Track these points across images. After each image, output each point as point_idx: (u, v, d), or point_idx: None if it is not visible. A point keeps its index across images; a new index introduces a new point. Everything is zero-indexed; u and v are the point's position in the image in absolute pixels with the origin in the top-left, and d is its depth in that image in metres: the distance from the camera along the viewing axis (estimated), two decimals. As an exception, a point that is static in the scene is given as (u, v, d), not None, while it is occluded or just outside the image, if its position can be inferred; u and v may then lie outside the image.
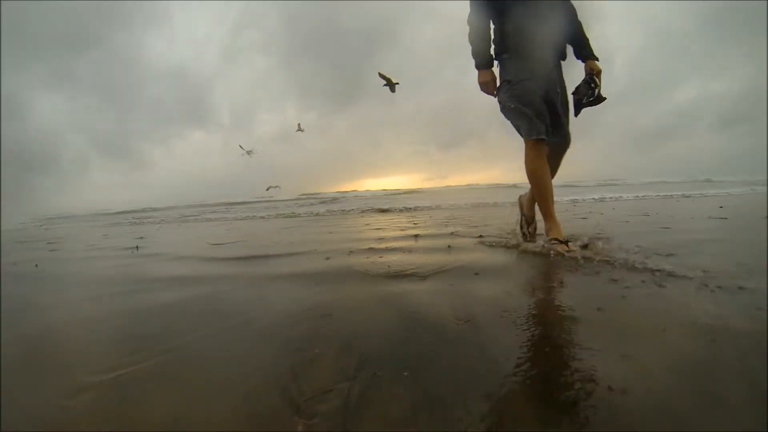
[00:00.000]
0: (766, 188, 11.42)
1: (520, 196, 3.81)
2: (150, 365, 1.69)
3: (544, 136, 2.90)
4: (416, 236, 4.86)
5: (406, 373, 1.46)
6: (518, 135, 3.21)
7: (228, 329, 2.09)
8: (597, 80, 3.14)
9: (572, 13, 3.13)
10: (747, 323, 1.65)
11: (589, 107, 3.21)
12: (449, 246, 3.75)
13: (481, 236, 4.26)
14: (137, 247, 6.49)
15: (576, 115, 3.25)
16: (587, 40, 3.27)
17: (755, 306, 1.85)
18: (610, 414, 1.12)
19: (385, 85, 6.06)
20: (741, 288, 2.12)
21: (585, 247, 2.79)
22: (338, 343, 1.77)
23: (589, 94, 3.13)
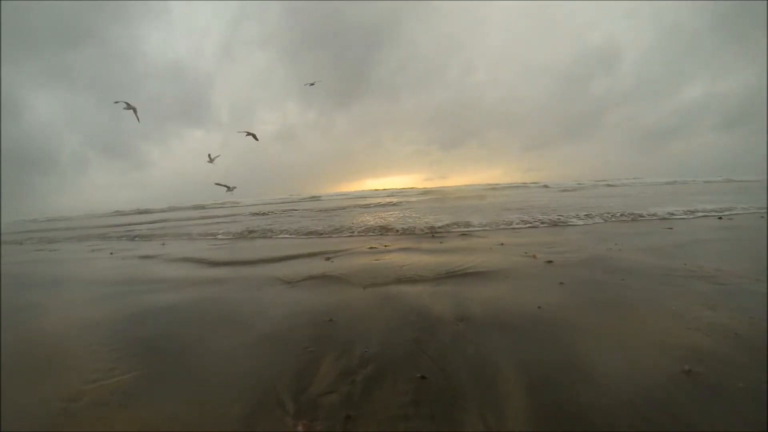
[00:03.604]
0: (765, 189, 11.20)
1: None
2: (153, 366, 1.81)
3: None
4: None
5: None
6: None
7: (228, 330, 2.18)
8: None
9: None
10: None
11: None
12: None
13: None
14: (164, 243, 7.22)
15: None
16: None
17: None
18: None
19: (247, 135, 7.46)
20: None
21: None
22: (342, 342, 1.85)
23: None
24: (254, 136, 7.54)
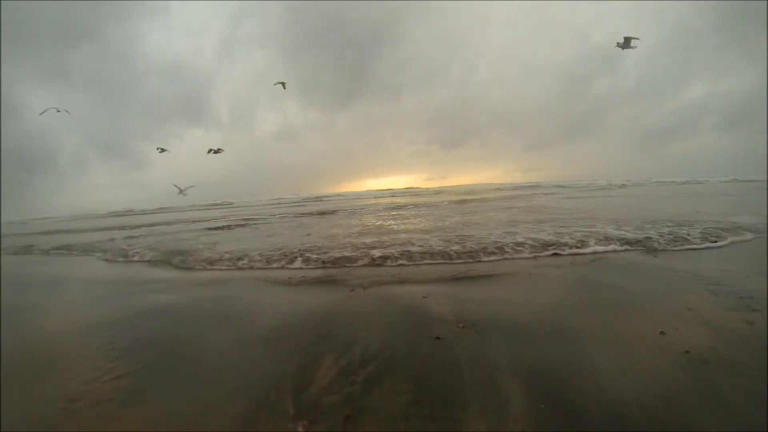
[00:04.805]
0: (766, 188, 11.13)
1: None
2: (154, 366, 1.86)
3: None
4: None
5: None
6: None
7: (228, 330, 2.23)
8: None
9: None
10: None
11: None
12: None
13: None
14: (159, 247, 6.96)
15: None
16: None
17: None
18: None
19: (215, 152, 8.43)
20: None
21: None
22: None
23: None
24: (217, 151, 8.41)
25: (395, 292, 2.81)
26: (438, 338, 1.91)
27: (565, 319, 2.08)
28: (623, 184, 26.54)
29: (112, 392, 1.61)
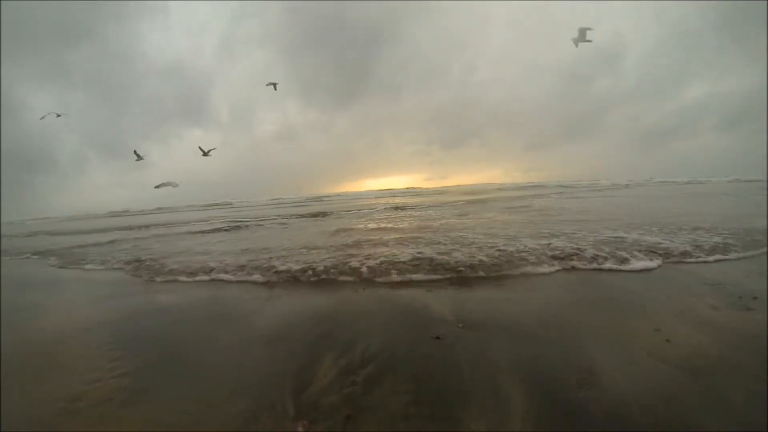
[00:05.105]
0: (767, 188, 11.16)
1: None
2: (154, 366, 1.87)
3: None
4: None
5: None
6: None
7: (229, 330, 2.25)
8: None
9: None
10: None
11: None
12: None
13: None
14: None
15: None
16: None
17: None
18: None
19: (204, 154, 8.73)
20: None
21: None
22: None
23: None
24: (206, 152, 8.82)
25: (395, 293, 2.82)
26: (438, 338, 1.93)
27: (565, 319, 2.10)
28: (627, 185, 26.63)
29: (113, 392, 1.63)
